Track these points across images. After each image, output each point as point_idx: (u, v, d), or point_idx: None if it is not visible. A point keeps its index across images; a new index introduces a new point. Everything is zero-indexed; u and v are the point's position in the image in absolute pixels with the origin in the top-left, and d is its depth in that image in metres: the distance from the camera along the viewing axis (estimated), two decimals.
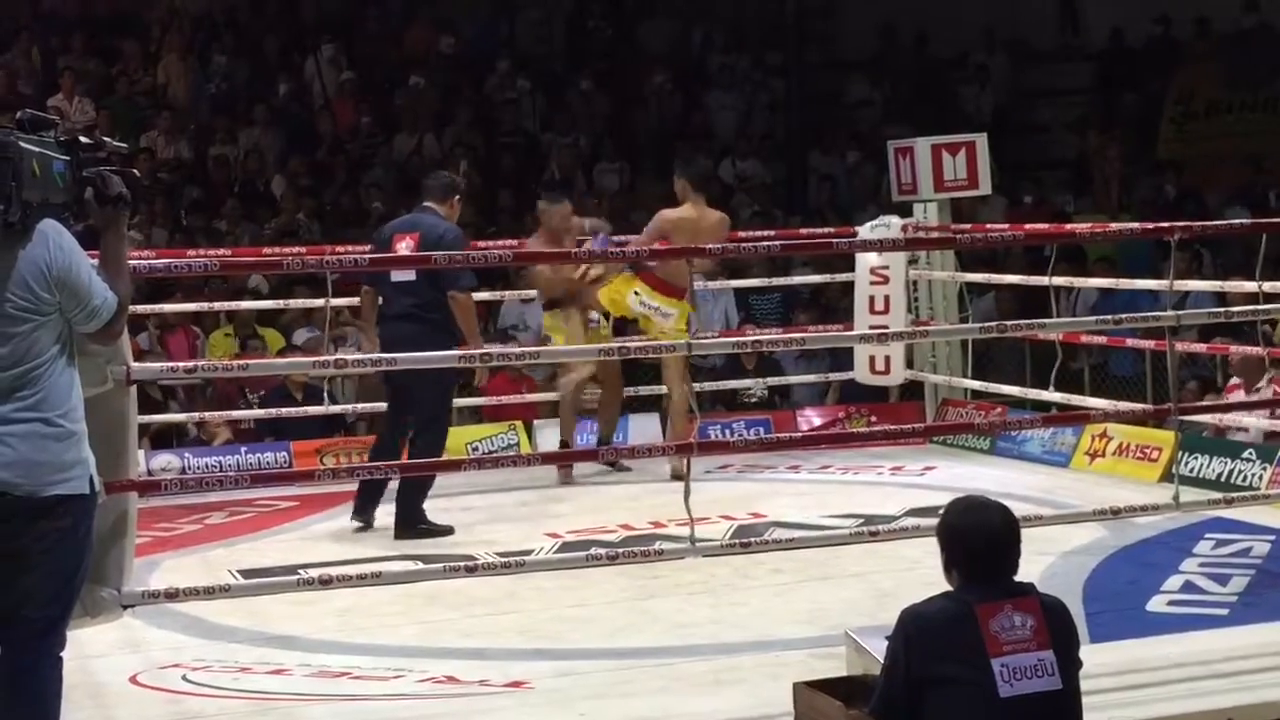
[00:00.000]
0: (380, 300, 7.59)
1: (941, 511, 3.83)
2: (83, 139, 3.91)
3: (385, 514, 7.51)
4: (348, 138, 14.40)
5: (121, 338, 4.45)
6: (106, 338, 4.02)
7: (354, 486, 8.40)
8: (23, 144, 3.71)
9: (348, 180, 13.80)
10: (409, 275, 7.33)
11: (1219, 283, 8.90)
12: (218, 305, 10.14)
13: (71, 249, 3.78)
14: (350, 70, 14.84)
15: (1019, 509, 3.98)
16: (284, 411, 9.27)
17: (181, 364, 7.78)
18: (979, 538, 3.69)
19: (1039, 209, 12.75)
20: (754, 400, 10.38)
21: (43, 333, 3.75)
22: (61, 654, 3.89)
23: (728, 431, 9.50)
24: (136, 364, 5.25)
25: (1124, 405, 8.11)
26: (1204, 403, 8.42)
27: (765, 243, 8.79)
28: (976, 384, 9.53)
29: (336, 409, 9.45)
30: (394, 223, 7.73)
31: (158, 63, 14.66)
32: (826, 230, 10.60)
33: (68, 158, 3.83)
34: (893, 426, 8.80)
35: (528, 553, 6.64)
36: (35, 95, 13.32)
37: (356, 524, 7.61)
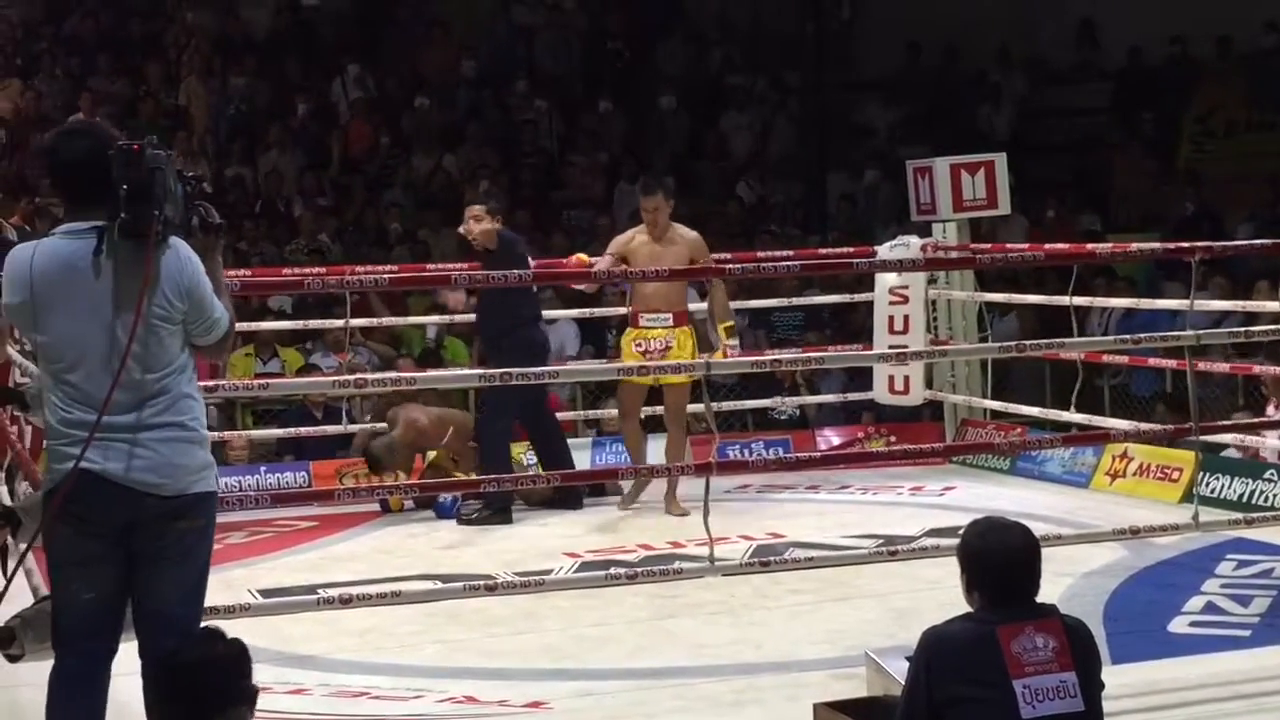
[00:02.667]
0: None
1: (962, 532, 3.82)
2: (187, 173, 4.05)
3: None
4: (367, 158, 14.44)
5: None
6: (220, 352, 4.23)
7: (372, 506, 8.45)
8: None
9: (368, 200, 13.83)
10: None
11: (1240, 303, 8.87)
12: (238, 325, 10.14)
13: (197, 263, 3.95)
14: (373, 90, 14.89)
15: (1039, 529, 3.97)
16: (303, 431, 9.30)
17: (202, 383, 7.79)
18: (1000, 559, 3.68)
19: (1063, 228, 12.73)
20: (784, 418, 10.35)
21: (174, 340, 3.92)
22: None
23: (747, 451, 9.48)
24: None
25: (1144, 425, 8.08)
26: (1225, 422, 8.38)
27: (785, 262, 8.74)
28: (996, 404, 9.50)
29: (356, 428, 9.45)
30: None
31: (179, 85, 14.73)
32: (846, 250, 10.57)
33: (182, 185, 3.99)
34: (912, 446, 8.78)
35: (547, 572, 6.63)
36: (59, 117, 13.39)
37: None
